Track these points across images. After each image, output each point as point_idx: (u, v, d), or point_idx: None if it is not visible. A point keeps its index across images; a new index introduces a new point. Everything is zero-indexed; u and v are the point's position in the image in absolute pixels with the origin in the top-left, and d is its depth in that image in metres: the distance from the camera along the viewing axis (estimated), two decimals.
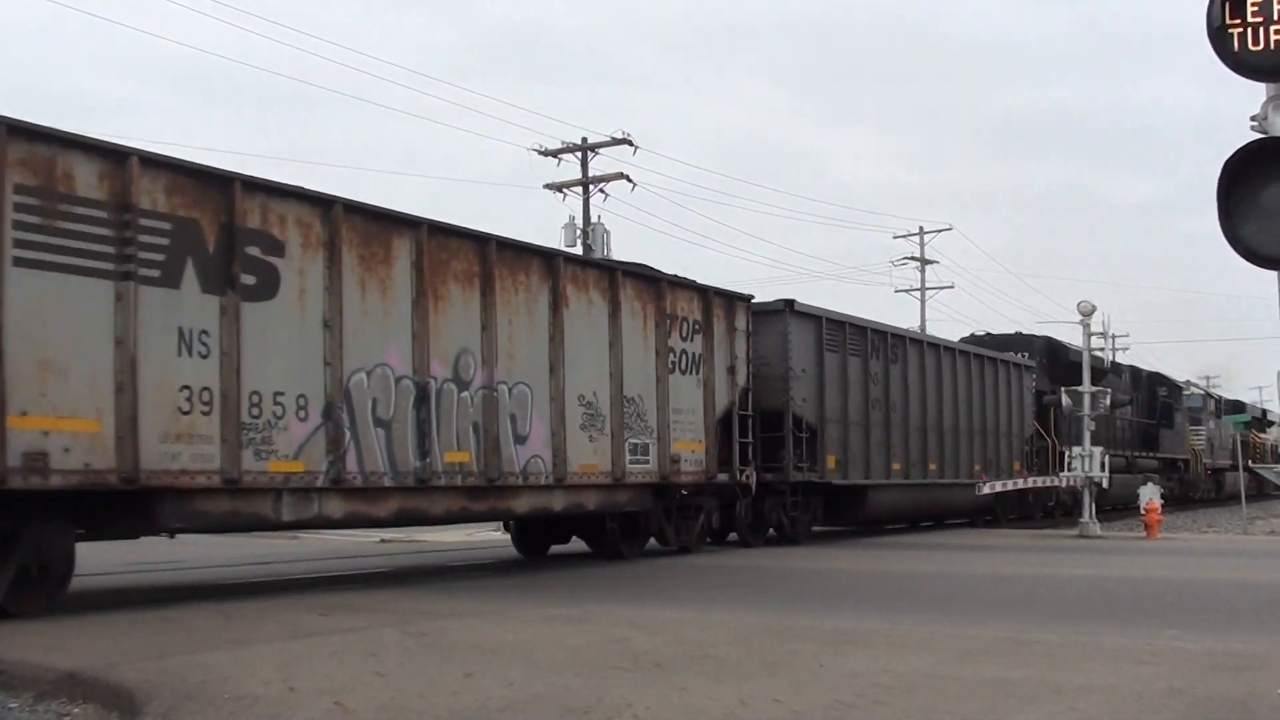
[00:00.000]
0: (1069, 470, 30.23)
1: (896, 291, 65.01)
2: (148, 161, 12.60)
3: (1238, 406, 58.57)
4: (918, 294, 62.82)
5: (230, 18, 63.73)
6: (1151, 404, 46.02)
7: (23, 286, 11.37)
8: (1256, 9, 6.03)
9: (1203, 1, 6.19)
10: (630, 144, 42.54)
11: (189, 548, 20.89)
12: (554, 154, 43.57)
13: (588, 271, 18.84)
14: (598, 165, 43.50)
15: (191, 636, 10.52)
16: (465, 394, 16.24)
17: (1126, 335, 73.48)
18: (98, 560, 18.75)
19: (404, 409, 15.32)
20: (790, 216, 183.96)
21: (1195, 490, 50.38)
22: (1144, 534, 28.43)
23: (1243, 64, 6.16)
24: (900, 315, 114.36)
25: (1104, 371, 39.62)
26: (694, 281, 21.35)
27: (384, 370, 15.10)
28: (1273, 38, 6.00)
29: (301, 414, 13.95)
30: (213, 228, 13.16)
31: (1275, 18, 6.00)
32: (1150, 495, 28.99)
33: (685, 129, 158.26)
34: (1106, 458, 30.37)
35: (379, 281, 15.09)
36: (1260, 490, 56.18)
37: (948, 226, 63.81)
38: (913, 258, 62.45)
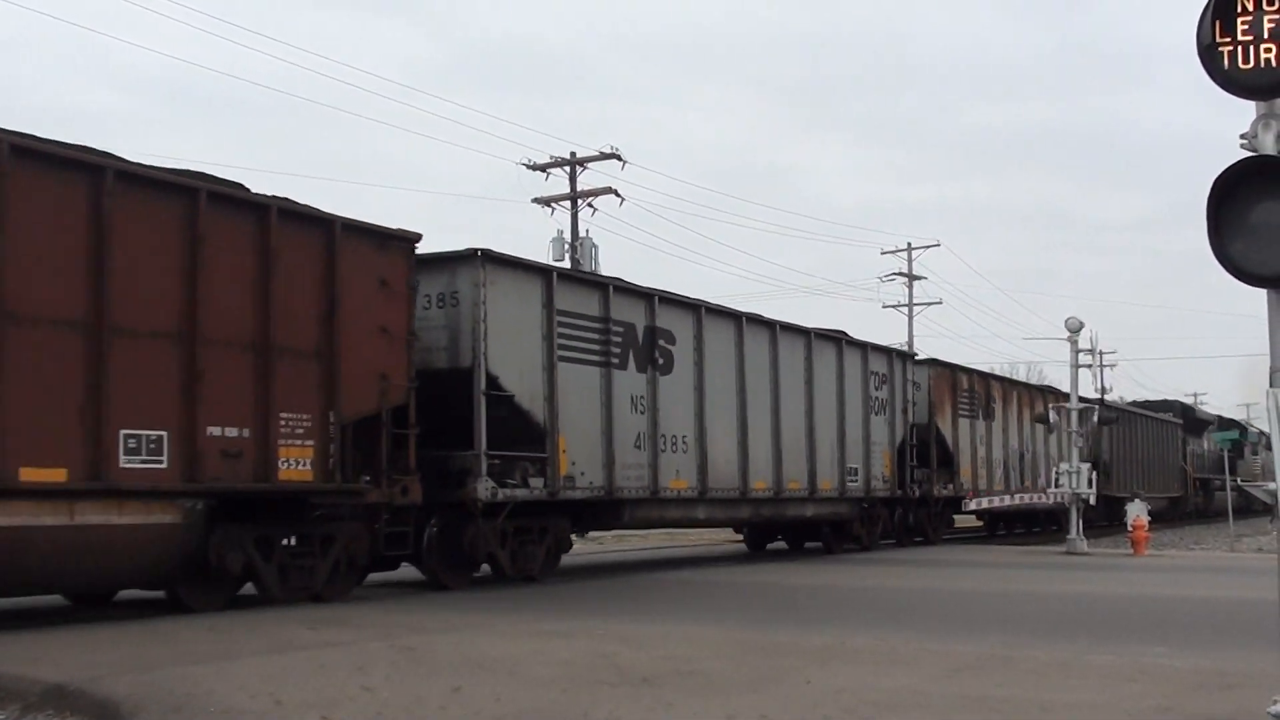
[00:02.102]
0: (1056, 486, 30.36)
1: (884, 307, 65.12)
2: (995, 377, 35.98)
3: None
4: (905, 310, 62.98)
5: (213, 28, 63.82)
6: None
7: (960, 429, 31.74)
8: (1246, 27, 6.05)
9: (1182, 20, 6.22)
10: (619, 159, 42.61)
11: None
12: (542, 168, 43.60)
13: (1030, 390, 38.40)
14: (585, 180, 43.59)
15: (177, 649, 10.48)
16: (1028, 458, 36.21)
17: (1114, 352, 73.64)
18: None
19: (1015, 467, 35.28)
20: (777, 231, 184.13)
21: (1255, 504, 61.28)
22: (1131, 551, 28.47)
23: (1232, 82, 6.18)
24: (888, 331, 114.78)
25: (1208, 421, 62.17)
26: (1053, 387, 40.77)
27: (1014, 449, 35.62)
28: (1262, 56, 6.02)
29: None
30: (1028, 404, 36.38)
31: (1265, 36, 6.03)
32: (1137, 512, 29.00)
33: (669, 144, 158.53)
34: (1094, 474, 30.56)
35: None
36: None
37: (935, 242, 63.85)
38: (901, 273, 62.57)
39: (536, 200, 43.85)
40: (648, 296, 20.24)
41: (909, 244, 62.58)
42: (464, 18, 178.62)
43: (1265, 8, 6.07)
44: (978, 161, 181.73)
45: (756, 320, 23.40)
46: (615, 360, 19.28)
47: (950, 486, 30.96)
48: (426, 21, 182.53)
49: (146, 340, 12.79)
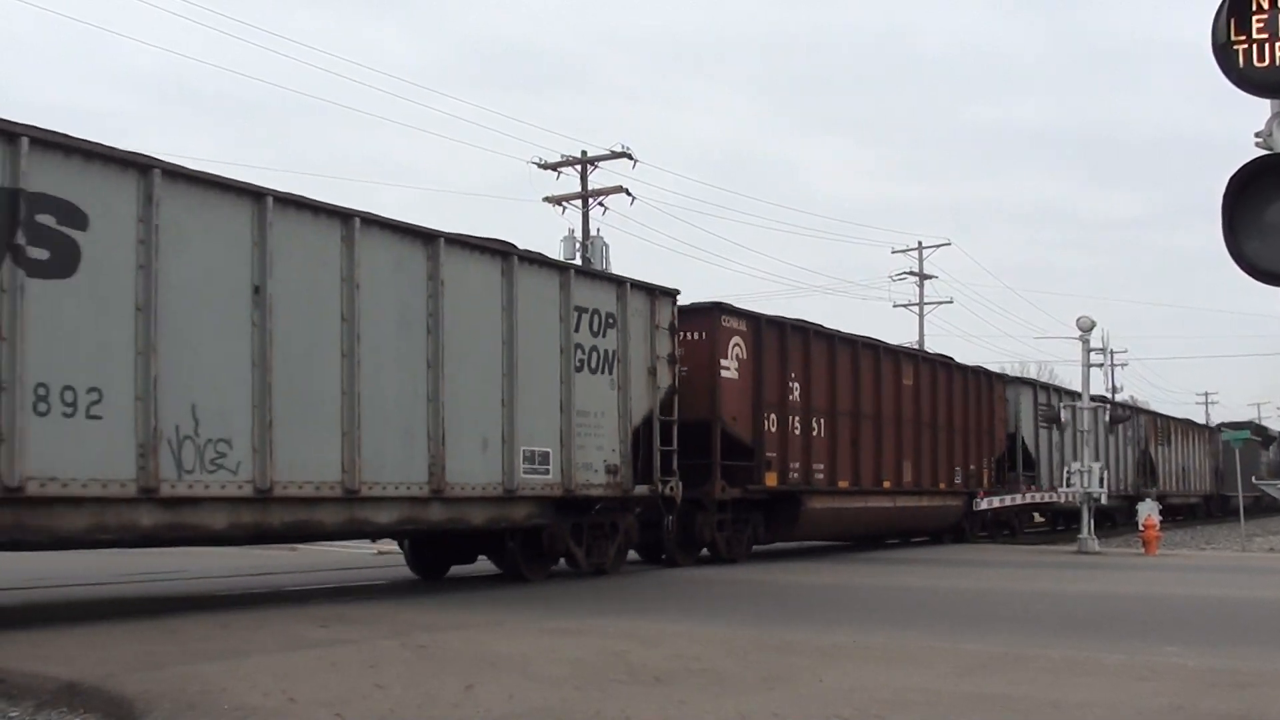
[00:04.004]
0: (1068, 485, 30.31)
1: (895, 306, 65.06)
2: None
3: None
4: (915, 309, 62.88)
5: (215, 24, 63.91)
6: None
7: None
8: (1261, 25, 6.01)
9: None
10: (629, 157, 42.66)
11: (188, 558, 20.85)
12: (553, 167, 43.63)
13: (1189, 426, 55.61)
14: (596, 179, 43.59)
15: (190, 647, 10.50)
16: (1189, 469, 54.71)
17: (1125, 351, 73.49)
18: (96, 570, 18.74)
19: (1178, 474, 53.22)
20: (786, 230, 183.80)
21: None
22: (1142, 550, 28.41)
23: (1247, 80, 6.15)
24: (898, 331, 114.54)
25: (1275, 437, 72.78)
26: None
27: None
28: (1278, 54, 5.99)
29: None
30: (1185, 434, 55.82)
31: None
32: (1148, 511, 28.94)
33: (673, 143, 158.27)
34: (1105, 473, 30.54)
35: None
36: None
37: (946, 241, 63.87)
38: (911, 272, 62.49)
39: (548, 199, 43.87)
40: (1044, 386, 39.97)
41: (919, 243, 62.60)
42: (461, 18, 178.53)
43: None
44: (982, 159, 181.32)
45: (1106, 400, 42.77)
46: (1053, 426, 36.94)
47: (1154, 489, 45.90)
48: (424, 22, 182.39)
49: (928, 428, 29.66)
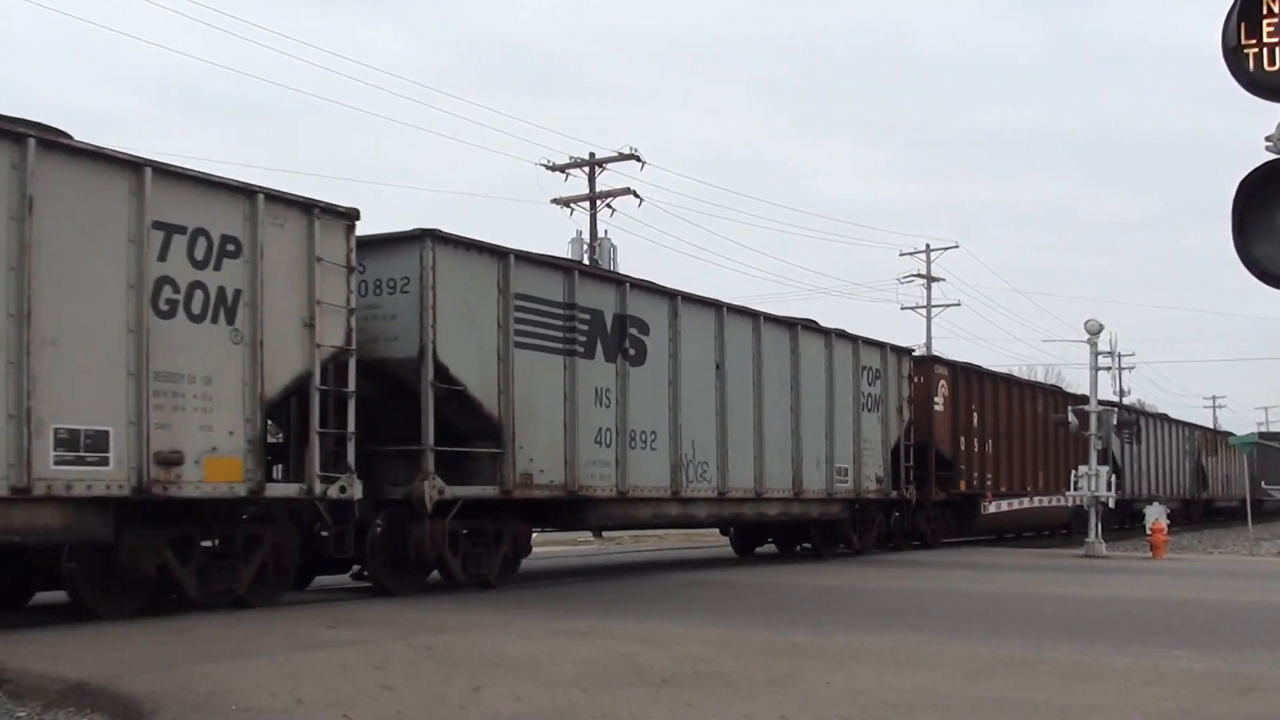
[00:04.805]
0: (1075, 489, 30.26)
1: (902, 309, 64.97)
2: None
3: None
4: (923, 311, 62.82)
5: (223, 26, 63.96)
6: None
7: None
8: (1272, 29, 6.00)
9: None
10: (638, 159, 42.64)
11: None
12: (561, 169, 43.65)
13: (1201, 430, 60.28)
14: (602, 180, 43.59)
15: (197, 647, 10.51)
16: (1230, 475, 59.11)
17: (1133, 354, 73.49)
18: None
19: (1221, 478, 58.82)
20: (792, 232, 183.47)
21: None
22: (1150, 554, 28.35)
23: (1257, 84, 6.12)
24: (906, 333, 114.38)
25: None
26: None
27: None
28: None
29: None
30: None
31: None
32: (1156, 515, 28.87)
33: (677, 145, 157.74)
34: (1112, 477, 30.49)
35: None
36: None
37: (954, 244, 63.96)
38: (919, 275, 62.42)
39: (555, 201, 43.90)
40: (1125, 407, 42.73)
41: (927, 245, 62.56)
42: (459, 19, 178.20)
43: None
44: (987, 161, 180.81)
45: (1164, 417, 51.43)
46: (1125, 439, 39.12)
47: (1205, 494, 55.16)
48: (420, 23, 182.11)
49: (1050, 445, 36.59)
